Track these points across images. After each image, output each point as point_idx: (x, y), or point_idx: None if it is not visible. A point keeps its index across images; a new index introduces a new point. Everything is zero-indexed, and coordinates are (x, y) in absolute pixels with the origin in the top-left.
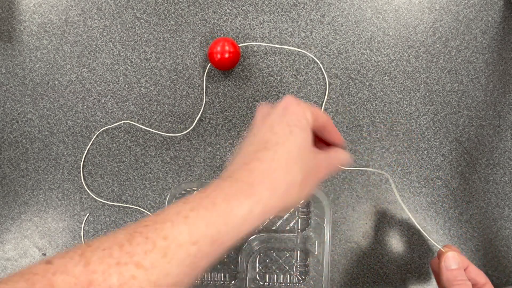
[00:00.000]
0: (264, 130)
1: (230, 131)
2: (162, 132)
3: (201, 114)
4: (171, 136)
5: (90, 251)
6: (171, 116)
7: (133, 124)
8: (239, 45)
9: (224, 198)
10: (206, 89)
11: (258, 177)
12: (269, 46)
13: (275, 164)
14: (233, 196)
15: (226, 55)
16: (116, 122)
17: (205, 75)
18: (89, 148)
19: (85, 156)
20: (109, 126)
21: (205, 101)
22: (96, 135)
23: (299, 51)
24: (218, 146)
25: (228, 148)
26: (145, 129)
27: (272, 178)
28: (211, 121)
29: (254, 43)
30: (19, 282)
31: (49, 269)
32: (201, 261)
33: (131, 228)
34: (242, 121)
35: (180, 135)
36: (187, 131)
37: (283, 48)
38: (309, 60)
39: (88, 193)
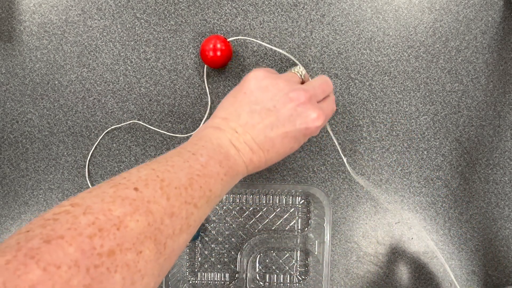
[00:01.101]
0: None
1: None
2: (164, 131)
3: (201, 114)
4: (172, 136)
5: (166, 186)
6: (171, 116)
7: (133, 124)
8: (229, 39)
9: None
10: (208, 90)
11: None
12: (258, 42)
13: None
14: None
15: (218, 53)
16: (122, 123)
17: (205, 75)
18: (94, 148)
19: (90, 156)
20: (116, 126)
21: (209, 102)
22: (102, 135)
23: (285, 55)
24: None
25: None
26: (152, 129)
27: None
28: None
29: (244, 37)
30: (125, 206)
31: (143, 197)
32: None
33: (189, 173)
34: None
35: (181, 137)
36: (191, 133)
37: (273, 49)
38: (309, 60)
39: None
